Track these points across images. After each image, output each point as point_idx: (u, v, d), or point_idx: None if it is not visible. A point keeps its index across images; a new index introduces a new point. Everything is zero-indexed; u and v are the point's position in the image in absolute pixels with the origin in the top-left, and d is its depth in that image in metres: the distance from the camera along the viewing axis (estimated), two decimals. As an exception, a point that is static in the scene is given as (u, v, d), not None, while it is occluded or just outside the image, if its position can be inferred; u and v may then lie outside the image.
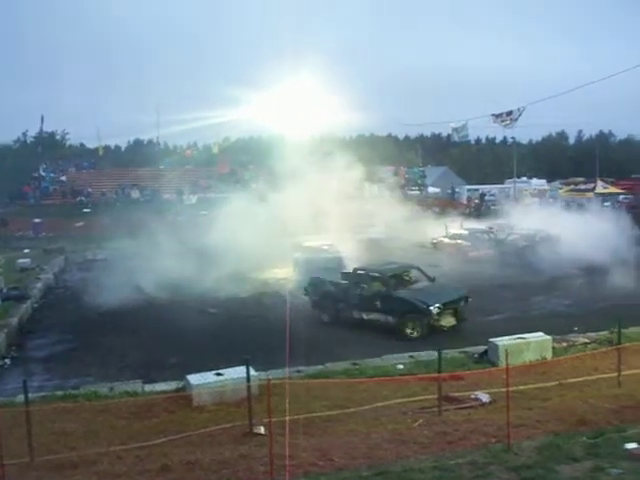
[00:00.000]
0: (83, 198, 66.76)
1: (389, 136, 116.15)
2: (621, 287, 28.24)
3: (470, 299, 25.04)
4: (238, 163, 75.82)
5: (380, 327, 23.95)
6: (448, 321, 23.90)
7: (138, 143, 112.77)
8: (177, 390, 16.65)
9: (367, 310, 24.69)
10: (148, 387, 17.42)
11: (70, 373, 19.65)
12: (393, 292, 24.51)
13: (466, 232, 46.76)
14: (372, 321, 24.46)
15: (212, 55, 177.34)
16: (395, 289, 24.73)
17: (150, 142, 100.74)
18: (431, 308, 23.28)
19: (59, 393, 16.94)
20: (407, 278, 25.92)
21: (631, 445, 11.60)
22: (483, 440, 12.73)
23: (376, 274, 25.45)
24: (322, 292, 26.50)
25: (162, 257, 34.68)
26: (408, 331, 23.34)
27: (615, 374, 16.53)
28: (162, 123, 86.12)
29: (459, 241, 45.01)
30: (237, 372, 15.59)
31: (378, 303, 24.43)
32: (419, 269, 26.68)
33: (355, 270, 26.02)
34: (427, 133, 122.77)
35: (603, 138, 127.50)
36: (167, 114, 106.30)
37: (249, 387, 13.97)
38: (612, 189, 76.24)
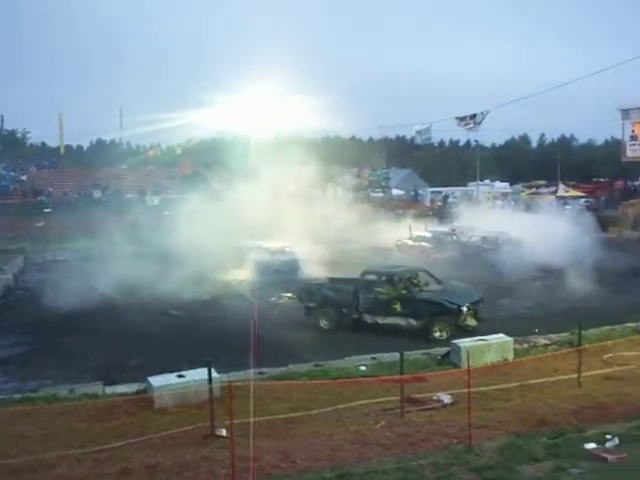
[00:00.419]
0: (44, 198, 66.01)
1: (353, 138, 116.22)
2: (581, 289, 28.56)
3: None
4: (201, 164, 75.41)
5: (398, 330, 23.61)
6: (471, 321, 23.85)
7: (101, 143, 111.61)
8: (138, 392, 16.47)
9: (383, 314, 24.33)
10: (109, 389, 17.24)
11: (29, 375, 19.44)
12: (416, 294, 24.34)
13: (429, 234, 47.33)
14: (389, 325, 24.07)
15: (178, 56, 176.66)
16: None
17: (113, 142, 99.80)
18: (462, 308, 23.39)
19: (17, 396, 16.72)
20: (416, 281, 25.42)
21: (590, 445, 11.70)
22: (445, 441, 12.77)
23: (393, 277, 25.06)
24: (320, 298, 25.69)
25: (123, 258, 34.58)
26: (437, 333, 23.27)
27: (575, 375, 16.68)
28: (125, 124, 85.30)
29: (422, 243, 45.25)
30: (199, 374, 15.50)
31: (398, 306, 24.12)
32: (427, 272, 26.39)
33: (364, 273, 25.58)
34: (391, 135, 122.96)
35: (565, 142, 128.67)
36: (131, 115, 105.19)
37: (211, 389, 13.89)
38: (573, 192, 76.97)
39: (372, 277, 25.33)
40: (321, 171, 49.13)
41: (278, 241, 37.95)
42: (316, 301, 25.77)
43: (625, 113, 63.01)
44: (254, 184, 40.21)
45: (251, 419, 11.70)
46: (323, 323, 25.24)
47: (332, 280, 26.75)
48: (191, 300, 29.15)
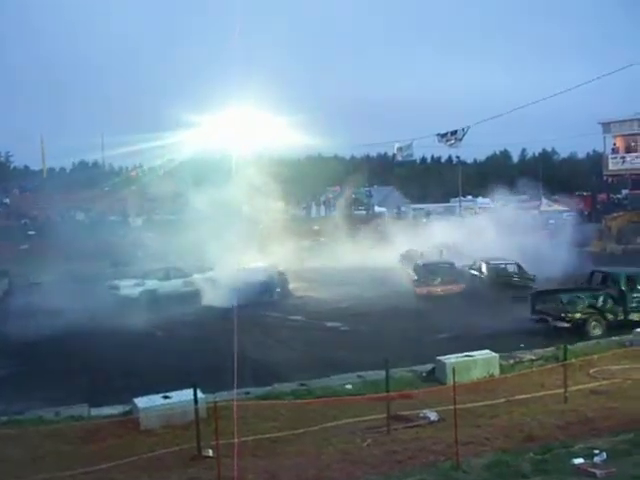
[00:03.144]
0: (27, 221, 65.69)
1: (336, 157, 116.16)
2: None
3: None
4: (184, 184, 75.17)
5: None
6: None
7: (83, 165, 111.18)
8: (124, 414, 16.44)
9: None
10: (94, 411, 17.17)
11: (15, 398, 19.21)
12: None
13: (420, 262, 39.00)
14: None
15: (158, 76, 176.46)
16: None
17: (95, 164, 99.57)
18: None
19: (3, 418, 16.61)
20: None
21: (578, 460, 11.70)
22: (432, 458, 12.75)
23: None
24: (586, 307, 26.09)
25: (108, 279, 34.56)
26: None
27: (561, 390, 16.72)
28: (107, 145, 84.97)
29: (409, 271, 38.65)
30: (185, 395, 15.46)
31: None
32: None
33: (623, 276, 26.87)
34: (373, 153, 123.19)
35: (546, 156, 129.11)
36: (112, 136, 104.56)
37: (196, 410, 13.85)
38: (556, 207, 77.17)
39: (633, 278, 26.85)
40: (304, 190, 49.16)
41: (259, 261, 37.97)
42: (581, 311, 25.97)
43: (606, 127, 63.43)
44: (237, 203, 40.20)
45: (235, 440, 11.68)
46: (594, 331, 25.56)
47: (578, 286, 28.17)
48: (175, 320, 29.08)
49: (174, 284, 36.16)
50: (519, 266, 36.70)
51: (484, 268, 37.28)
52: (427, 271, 37.00)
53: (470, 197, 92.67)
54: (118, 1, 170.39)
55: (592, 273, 28.44)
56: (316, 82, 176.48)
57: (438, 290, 35.57)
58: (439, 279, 36.22)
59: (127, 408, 16.69)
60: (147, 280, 36.11)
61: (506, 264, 37.03)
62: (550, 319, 26.16)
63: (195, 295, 35.00)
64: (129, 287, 35.53)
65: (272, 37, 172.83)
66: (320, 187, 72.71)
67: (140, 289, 35.43)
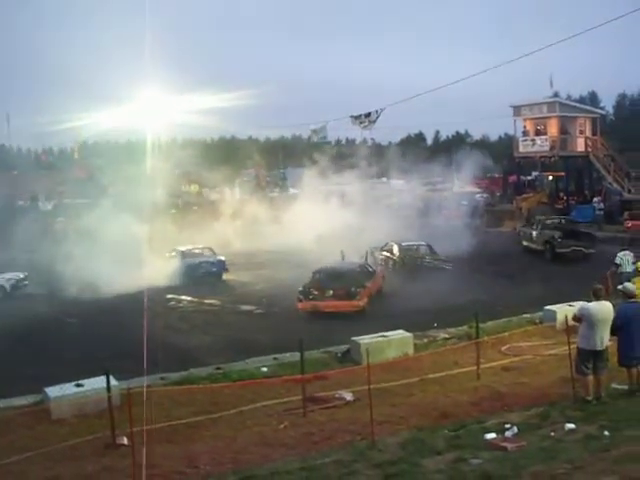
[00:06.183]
0: None
1: (250, 139, 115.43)
2: (480, 282, 29.28)
3: None
4: (96, 167, 73.71)
5: None
6: None
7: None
8: (35, 404, 16.06)
9: None
10: (3, 402, 16.69)
11: None
12: None
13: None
14: None
15: (66, 58, 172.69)
16: None
17: (2, 147, 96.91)
18: None
19: None
20: None
21: (490, 435, 11.90)
22: (348, 438, 12.85)
23: None
24: None
25: (15, 266, 33.70)
26: None
27: (474, 367, 17.02)
28: (14, 127, 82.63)
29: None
30: (97, 382, 15.19)
31: None
32: None
33: None
34: (288, 135, 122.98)
35: (459, 139, 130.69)
36: (19, 117, 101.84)
37: (110, 397, 13.63)
38: (469, 188, 78.10)
39: None
40: (219, 173, 48.68)
41: (194, 244, 37.70)
42: None
43: (517, 110, 64.21)
44: (150, 187, 39.59)
45: (144, 427, 11.53)
46: None
47: None
48: (89, 307, 28.51)
49: None
50: (430, 248, 34.58)
51: (395, 249, 34.82)
52: (318, 279, 28.35)
53: (384, 179, 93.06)
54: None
55: None
56: (229, 64, 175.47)
57: (328, 306, 26.42)
58: (331, 292, 27.11)
59: (38, 398, 16.30)
60: None
61: (418, 246, 34.96)
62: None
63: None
64: None
65: (189, 17, 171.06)
66: (235, 170, 72.14)
67: None
